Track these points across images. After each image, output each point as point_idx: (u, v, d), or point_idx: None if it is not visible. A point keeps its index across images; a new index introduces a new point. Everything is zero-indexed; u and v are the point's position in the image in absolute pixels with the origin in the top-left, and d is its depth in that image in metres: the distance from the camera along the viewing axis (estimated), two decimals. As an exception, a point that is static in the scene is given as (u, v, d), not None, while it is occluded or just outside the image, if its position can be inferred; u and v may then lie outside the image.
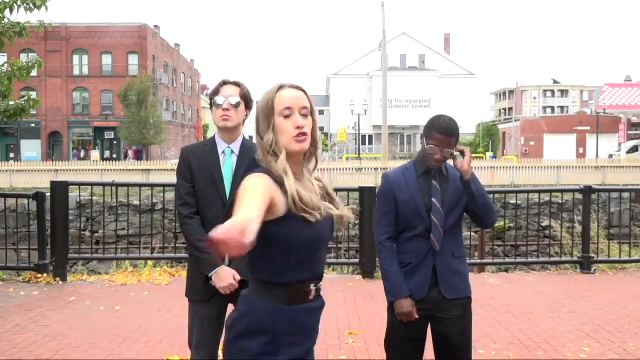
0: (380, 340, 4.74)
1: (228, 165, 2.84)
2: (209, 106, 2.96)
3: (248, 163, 1.94)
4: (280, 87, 1.93)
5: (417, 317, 2.77)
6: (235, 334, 1.87)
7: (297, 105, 1.91)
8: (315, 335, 1.97)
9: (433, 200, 2.79)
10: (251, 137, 2.65)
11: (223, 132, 2.87)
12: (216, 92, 2.85)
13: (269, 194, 1.73)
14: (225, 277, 2.72)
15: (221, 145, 2.87)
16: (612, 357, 4.34)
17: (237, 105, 2.82)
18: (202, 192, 2.82)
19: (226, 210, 2.71)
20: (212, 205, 2.80)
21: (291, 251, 1.85)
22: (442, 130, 2.70)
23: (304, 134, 1.89)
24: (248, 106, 2.90)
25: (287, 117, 1.89)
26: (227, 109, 2.80)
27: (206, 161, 2.84)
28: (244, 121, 2.90)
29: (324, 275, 2.03)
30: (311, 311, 1.93)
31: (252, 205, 1.62)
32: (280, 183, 1.82)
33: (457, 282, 2.83)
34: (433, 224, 2.77)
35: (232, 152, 2.86)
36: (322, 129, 68.09)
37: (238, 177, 2.37)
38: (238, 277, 2.71)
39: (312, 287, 1.92)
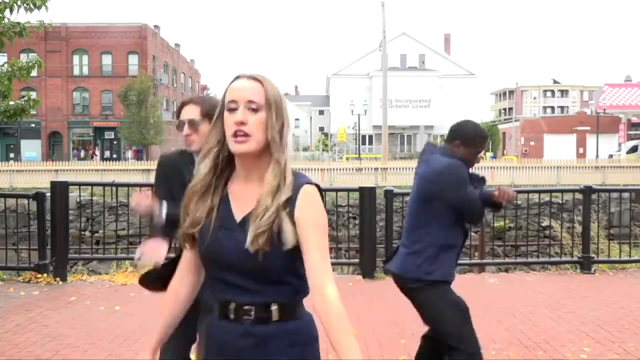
0: (380, 340, 4.75)
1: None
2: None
3: None
4: (236, 78, 1.68)
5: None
6: None
7: (243, 97, 1.62)
8: None
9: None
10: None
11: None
12: (177, 114, 2.78)
13: None
14: (150, 252, 2.65)
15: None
16: (612, 357, 4.34)
17: (196, 126, 2.69)
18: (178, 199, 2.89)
19: None
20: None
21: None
22: (486, 134, 3.06)
23: (243, 133, 1.60)
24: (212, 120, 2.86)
25: (231, 111, 1.63)
26: (189, 134, 2.70)
27: (182, 172, 2.79)
28: None
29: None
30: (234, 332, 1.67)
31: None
32: None
33: None
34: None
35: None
36: (322, 129, 68.14)
37: None
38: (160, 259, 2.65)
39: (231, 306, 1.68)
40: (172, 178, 2.81)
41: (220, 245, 1.65)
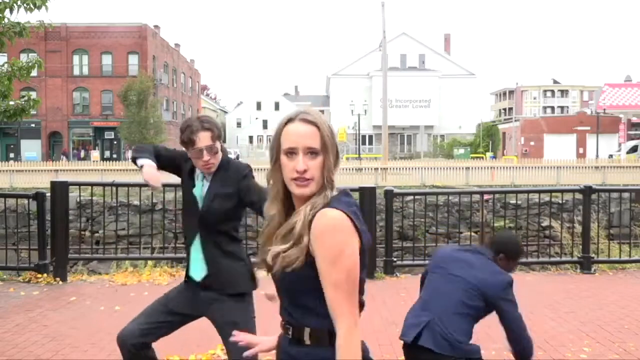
0: (380, 340, 4.75)
1: (198, 187, 3.00)
2: (183, 145, 3.01)
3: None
4: (289, 120, 1.70)
5: None
6: None
7: (302, 144, 1.65)
8: None
9: None
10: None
11: None
12: (191, 141, 2.89)
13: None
14: (152, 174, 2.93)
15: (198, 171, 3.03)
16: (612, 357, 4.34)
17: (215, 152, 2.91)
18: (184, 202, 3.08)
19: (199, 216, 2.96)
20: (190, 214, 3.04)
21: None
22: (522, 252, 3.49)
23: (305, 179, 1.65)
24: (220, 138, 3.02)
25: (290, 154, 1.66)
26: (208, 159, 2.89)
27: (187, 180, 3.05)
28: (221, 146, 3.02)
29: None
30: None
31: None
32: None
33: None
34: None
35: (204, 176, 3.00)
36: (322, 129, 68.78)
37: (210, 194, 2.93)
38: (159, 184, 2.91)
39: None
40: (184, 170, 3.07)
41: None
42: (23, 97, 8.15)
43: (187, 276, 3.01)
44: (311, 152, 1.66)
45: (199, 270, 2.95)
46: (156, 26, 52.57)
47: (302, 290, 1.70)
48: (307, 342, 1.72)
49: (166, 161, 3.10)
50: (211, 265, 2.92)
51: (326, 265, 1.62)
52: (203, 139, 2.86)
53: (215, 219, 2.89)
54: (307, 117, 1.69)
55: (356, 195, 7.30)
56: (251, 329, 2.88)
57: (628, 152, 37.41)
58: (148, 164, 2.94)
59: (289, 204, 1.75)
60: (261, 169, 4.24)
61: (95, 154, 44.28)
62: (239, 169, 2.97)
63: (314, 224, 1.63)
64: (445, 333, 3.09)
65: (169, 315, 2.96)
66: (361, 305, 1.80)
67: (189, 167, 3.03)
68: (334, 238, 1.62)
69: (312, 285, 1.66)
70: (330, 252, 1.61)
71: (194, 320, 3.06)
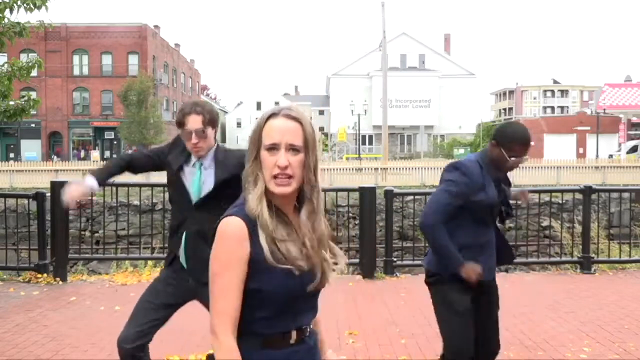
0: (380, 340, 4.75)
1: (196, 178, 3.01)
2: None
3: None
4: (272, 115, 1.64)
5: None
6: None
7: (284, 140, 1.60)
8: None
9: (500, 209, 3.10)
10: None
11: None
12: (181, 123, 2.96)
13: (239, 273, 1.58)
14: (71, 192, 2.95)
15: (193, 159, 3.04)
16: (612, 357, 4.34)
17: (203, 134, 2.93)
18: (174, 196, 3.11)
19: (194, 207, 2.98)
20: (180, 207, 3.06)
21: (264, 304, 1.62)
22: (525, 141, 2.94)
23: (286, 175, 1.59)
24: (215, 125, 3.03)
25: (271, 150, 1.60)
26: (196, 142, 2.92)
27: (182, 167, 3.05)
28: (215, 135, 3.04)
29: None
30: (294, 353, 1.68)
31: (226, 314, 1.58)
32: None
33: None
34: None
35: (202, 165, 3.01)
36: (322, 129, 68.30)
37: (205, 186, 2.94)
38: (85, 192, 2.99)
39: (294, 333, 1.68)
40: (170, 164, 3.08)
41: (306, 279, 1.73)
42: (23, 97, 8.15)
43: (172, 263, 3.06)
44: (293, 148, 1.60)
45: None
46: (156, 26, 52.57)
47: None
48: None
49: (140, 166, 3.19)
50: (192, 255, 2.96)
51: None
52: (193, 121, 2.92)
53: (211, 206, 2.89)
54: (290, 114, 1.63)
55: (356, 195, 7.30)
56: None
57: (628, 152, 37.38)
58: (77, 183, 3.01)
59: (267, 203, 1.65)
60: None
61: (95, 154, 44.26)
62: (237, 156, 2.98)
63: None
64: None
65: (160, 311, 3.00)
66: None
67: (179, 160, 3.04)
68: (216, 247, 1.65)
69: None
70: (211, 260, 1.65)
71: (185, 304, 3.12)
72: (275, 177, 1.60)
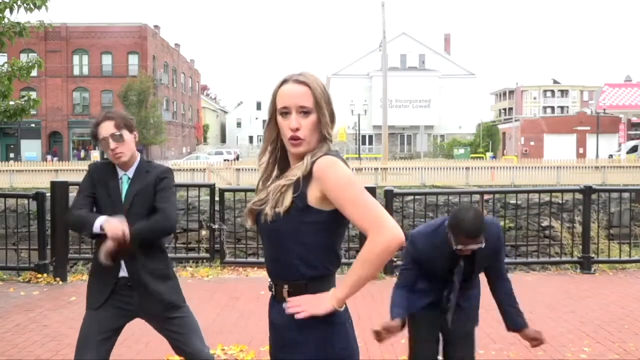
0: (380, 340, 4.75)
1: (125, 190, 2.94)
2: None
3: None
4: (284, 82, 1.83)
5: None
6: None
7: (294, 103, 1.78)
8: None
9: (455, 276, 3.06)
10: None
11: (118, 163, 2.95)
12: (95, 134, 2.90)
13: None
14: (116, 224, 2.73)
15: (120, 173, 2.97)
16: (612, 357, 4.34)
17: (120, 138, 2.87)
18: (103, 208, 2.94)
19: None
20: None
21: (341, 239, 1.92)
22: (469, 234, 2.80)
23: (297, 138, 1.78)
24: (131, 129, 2.96)
25: (284, 114, 1.79)
26: (115, 147, 2.86)
27: (108, 183, 2.96)
28: (134, 140, 2.97)
29: None
30: None
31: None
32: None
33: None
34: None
35: (128, 178, 2.96)
36: (322, 129, 68.31)
37: (129, 196, 2.89)
38: (127, 231, 2.73)
39: None
40: (99, 185, 2.96)
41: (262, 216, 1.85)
42: (23, 97, 8.16)
43: (117, 277, 2.96)
44: (304, 111, 1.78)
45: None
46: (156, 26, 52.57)
47: (286, 240, 1.77)
48: (287, 298, 1.81)
49: (92, 195, 2.98)
50: (130, 264, 2.91)
51: (338, 190, 1.72)
52: (106, 128, 2.86)
53: (136, 218, 2.83)
54: (299, 78, 1.81)
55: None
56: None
57: (628, 152, 37.42)
58: (105, 219, 2.78)
59: (284, 164, 1.88)
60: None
61: (95, 154, 44.15)
62: (158, 171, 2.96)
63: (315, 167, 1.74)
64: None
65: (112, 336, 3.04)
66: (338, 258, 1.89)
67: (103, 180, 2.95)
68: (338, 170, 1.74)
69: (298, 233, 1.75)
70: (339, 179, 1.72)
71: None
72: (290, 139, 1.78)
